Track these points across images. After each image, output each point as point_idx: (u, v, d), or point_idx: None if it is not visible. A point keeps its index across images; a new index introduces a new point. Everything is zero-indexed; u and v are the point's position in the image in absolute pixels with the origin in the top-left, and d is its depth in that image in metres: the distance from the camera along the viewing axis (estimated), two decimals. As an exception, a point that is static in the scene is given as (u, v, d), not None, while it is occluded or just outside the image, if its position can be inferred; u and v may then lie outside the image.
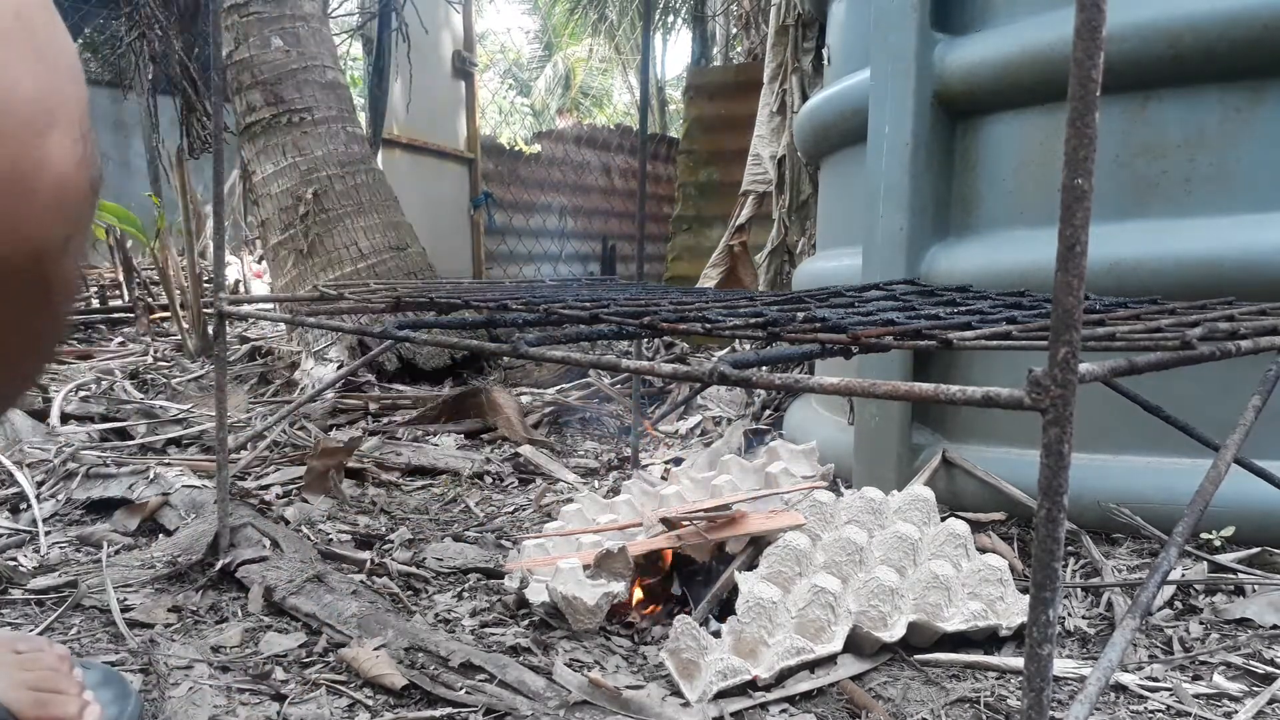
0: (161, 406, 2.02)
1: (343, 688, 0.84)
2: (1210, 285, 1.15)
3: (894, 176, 1.38)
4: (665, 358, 3.17)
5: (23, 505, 1.34)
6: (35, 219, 0.38)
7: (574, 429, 2.14)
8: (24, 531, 1.26)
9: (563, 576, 1.00)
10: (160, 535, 1.28)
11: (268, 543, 1.14)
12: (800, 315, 0.73)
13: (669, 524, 1.10)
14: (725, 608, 0.99)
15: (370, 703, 0.82)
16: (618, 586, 1.01)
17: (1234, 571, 1.10)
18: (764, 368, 1.59)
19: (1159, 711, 0.82)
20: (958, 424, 1.42)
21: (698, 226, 4.47)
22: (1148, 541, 1.20)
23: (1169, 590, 1.07)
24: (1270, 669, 0.89)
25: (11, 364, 0.44)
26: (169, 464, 1.55)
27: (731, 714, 0.81)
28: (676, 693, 0.85)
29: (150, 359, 2.66)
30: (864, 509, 1.09)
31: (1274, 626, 0.98)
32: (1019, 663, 0.90)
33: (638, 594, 1.07)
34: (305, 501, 1.44)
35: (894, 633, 0.92)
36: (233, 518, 1.17)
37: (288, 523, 1.30)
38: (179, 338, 2.81)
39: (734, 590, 0.99)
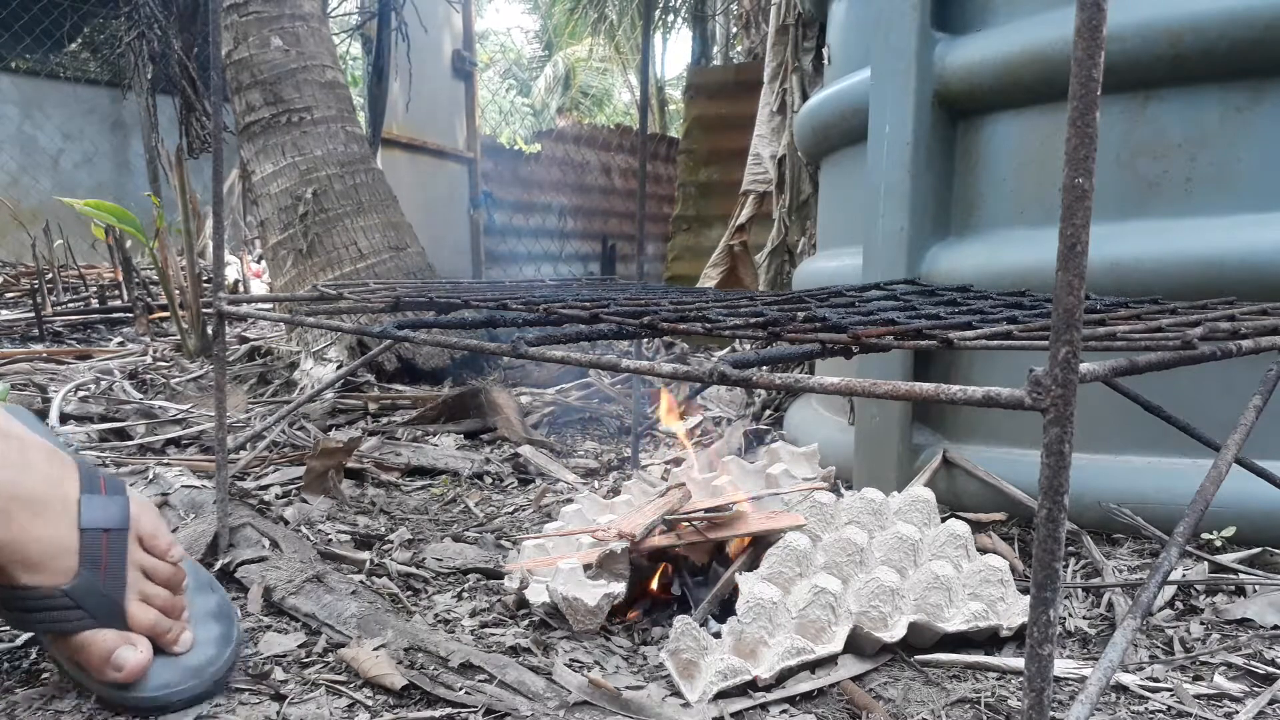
0: (160, 406, 2.02)
1: (342, 688, 0.84)
2: (1211, 285, 1.15)
3: (894, 176, 1.38)
4: (665, 358, 3.17)
5: (22, 505, 1.34)
6: None
7: (574, 429, 2.14)
8: (23, 532, 1.25)
9: (563, 577, 1.00)
10: (159, 535, 1.28)
11: (267, 543, 1.14)
12: (800, 315, 0.73)
13: (668, 524, 1.10)
14: (725, 608, 0.99)
15: (370, 703, 0.81)
16: (618, 587, 1.00)
17: (1235, 572, 1.10)
18: (764, 368, 1.59)
19: (1160, 712, 0.82)
20: (959, 424, 1.42)
21: (698, 226, 4.48)
22: (1148, 542, 1.20)
23: (1170, 590, 1.07)
24: (1271, 669, 0.89)
25: None
26: (168, 464, 1.55)
27: (732, 714, 0.81)
28: (676, 693, 0.85)
29: (149, 359, 2.66)
30: (864, 510, 1.09)
31: (1275, 627, 0.98)
32: (1020, 663, 0.90)
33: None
34: (305, 501, 1.44)
35: (895, 633, 0.91)
36: (232, 518, 1.16)
37: (287, 523, 1.30)
38: (178, 338, 2.80)
39: (734, 591, 0.99)
